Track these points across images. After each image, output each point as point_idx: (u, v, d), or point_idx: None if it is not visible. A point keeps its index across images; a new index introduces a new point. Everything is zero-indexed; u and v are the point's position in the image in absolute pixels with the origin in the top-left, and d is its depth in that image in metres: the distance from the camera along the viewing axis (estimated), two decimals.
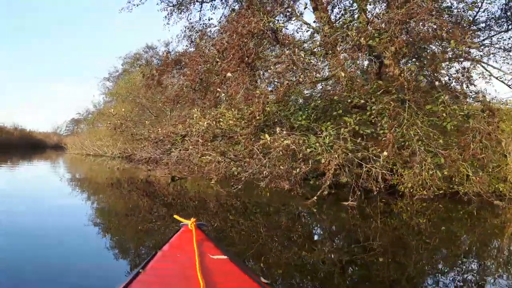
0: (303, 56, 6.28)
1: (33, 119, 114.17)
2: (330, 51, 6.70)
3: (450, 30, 6.48)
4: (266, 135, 5.76)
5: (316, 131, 6.77)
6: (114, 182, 11.97)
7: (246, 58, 6.71)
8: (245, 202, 7.30)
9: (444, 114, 6.57)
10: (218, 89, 7.17)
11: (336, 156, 5.74)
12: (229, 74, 6.70)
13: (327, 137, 6.03)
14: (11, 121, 60.96)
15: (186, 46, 11.17)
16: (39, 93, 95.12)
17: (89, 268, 3.61)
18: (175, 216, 3.34)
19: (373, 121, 7.13)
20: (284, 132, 5.86)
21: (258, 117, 6.53)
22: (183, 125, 9.33)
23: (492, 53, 10.02)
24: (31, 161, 25.73)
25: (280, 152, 5.76)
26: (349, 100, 7.34)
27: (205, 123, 7.10)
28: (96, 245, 4.47)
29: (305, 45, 7.86)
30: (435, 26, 6.29)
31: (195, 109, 7.93)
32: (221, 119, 7.09)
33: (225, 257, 2.39)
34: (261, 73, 8.07)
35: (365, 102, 7.04)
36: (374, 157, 6.26)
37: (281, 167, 5.83)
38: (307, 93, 8.80)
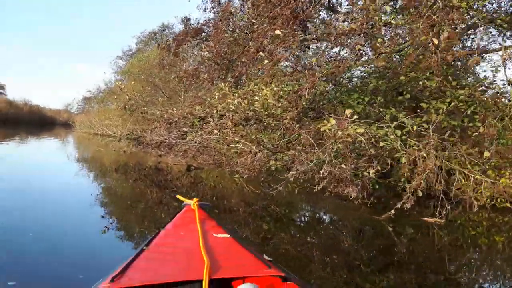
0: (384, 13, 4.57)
1: (53, 99, 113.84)
2: (413, 11, 4.91)
3: None
4: (331, 119, 4.06)
5: (375, 119, 5.10)
6: (119, 166, 10.46)
7: (301, 13, 5.00)
8: (282, 207, 5.62)
9: None
10: (260, 53, 5.41)
11: (432, 155, 4.06)
12: (278, 32, 4.96)
13: (409, 127, 4.33)
14: (21, 97, 60.03)
15: (211, 11, 9.37)
16: (63, 73, 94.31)
17: (91, 247, 3.60)
18: (178, 196, 3.42)
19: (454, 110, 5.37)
20: (354, 117, 4.14)
21: (307, 96, 4.86)
22: (202, 106, 7.76)
23: None
24: (39, 137, 24.93)
25: (346, 145, 4.10)
26: (421, 82, 5.59)
27: (235, 101, 5.42)
28: (98, 225, 4.24)
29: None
30: None
31: (222, 84, 6.24)
32: (256, 97, 5.41)
33: (228, 235, 2.39)
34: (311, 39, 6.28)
35: (445, 85, 5.30)
36: (469, 158, 4.55)
37: (343, 165, 4.16)
38: (361, 72, 7.01)
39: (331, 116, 4.55)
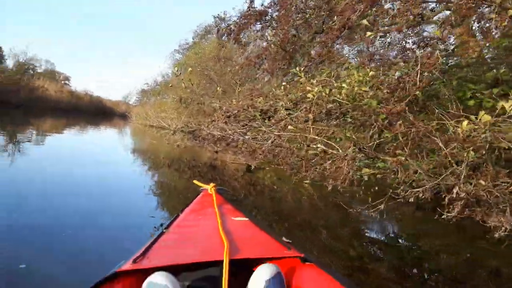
0: None
1: (106, 92, 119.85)
2: None
3: None
4: (484, 115, 2.72)
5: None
6: (173, 161, 9.71)
7: None
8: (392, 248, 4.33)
9: None
10: (365, 21, 4.17)
11: None
12: None
13: None
14: (83, 88, 62.98)
15: None
16: (115, 65, 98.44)
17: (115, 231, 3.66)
18: (195, 181, 3.52)
19: None
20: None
21: (423, 83, 3.59)
22: (264, 98, 6.72)
23: None
24: (97, 127, 25.58)
25: (486, 153, 2.79)
26: None
27: (316, 89, 4.24)
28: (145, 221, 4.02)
29: None
30: None
31: (297, 69, 5.07)
32: (344, 84, 4.19)
33: (246, 218, 2.37)
34: None
35: None
36: None
37: (481, 181, 2.85)
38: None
39: (446, 111, 3.29)
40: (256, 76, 20.76)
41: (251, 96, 7.85)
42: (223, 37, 9.10)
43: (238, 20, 8.29)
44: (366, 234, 4.31)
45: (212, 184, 3.09)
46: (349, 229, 4.41)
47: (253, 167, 6.62)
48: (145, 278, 1.42)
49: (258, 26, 8.64)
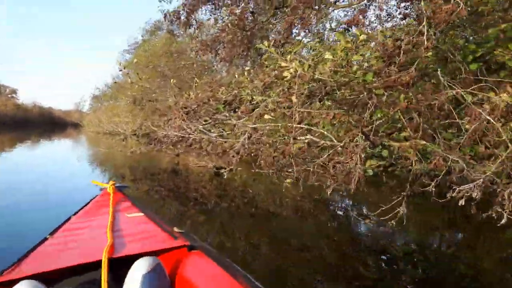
0: None
1: (58, 100, 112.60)
2: None
3: None
4: None
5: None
6: (128, 171, 8.51)
7: None
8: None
9: None
10: None
11: None
12: None
13: None
14: (30, 99, 59.05)
15: None
16: (64, 70, 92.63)
17: None
18: (93, 181, 3.42)
19: None
20: None
21: (431, 44, 2.75)
22: (226, 89, 5.80)
23: None
24: (50, 139, 24.19)
25: None
26: None
27: (292, 66, 3.29)
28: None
29: None
30: None
31: (265, 44, 4.07)
32: (327, 55, 3.27)
33: (141, 214, 2.37)
34: None
35: None
36: None
37: None
38: None
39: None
40: (213, 68, 19.61)
41: (210, 88, 6.81)
42: (172, 23, 7.95)
43: (186, 1, 7.18)
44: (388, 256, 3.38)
45: (111, 182, 3.01)
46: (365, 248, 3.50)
47: (222, 171, 5.64)
48: None
49: (209, 7, 7.59)
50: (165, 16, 7.85)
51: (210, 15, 7.49)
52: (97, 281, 1.46)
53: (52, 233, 2.05)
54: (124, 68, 32.51)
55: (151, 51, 25.33)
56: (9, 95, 56.71)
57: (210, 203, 5.09)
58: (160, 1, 7.67)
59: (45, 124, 46.98)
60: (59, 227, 2.19)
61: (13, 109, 44.01)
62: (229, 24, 6.44)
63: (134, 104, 25.97)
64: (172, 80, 10.05)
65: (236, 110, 5.51)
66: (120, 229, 2.04)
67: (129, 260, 1.59)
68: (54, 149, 17.65)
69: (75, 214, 2.50)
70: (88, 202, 2.80)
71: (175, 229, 1.99)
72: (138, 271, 1.43)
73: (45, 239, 1.95)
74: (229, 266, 1.50)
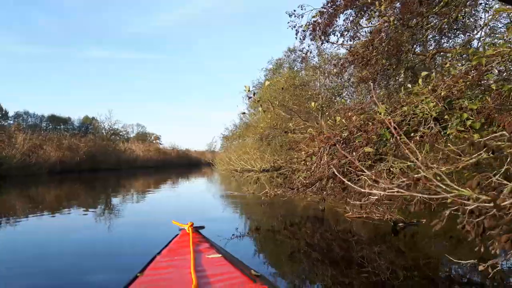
0: None
1: (190, 141, 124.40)
2: None
3: None
4: None
5: None
6: (261, 217, 7.39)
7: None
8: None
9: None
10: None
11: None
12: None
13: None
14: (169, 142, 65.82)
15: None
16: (197, 121, 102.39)
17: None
18: (173, 222, 3.73)
19: None
20: None
21: None
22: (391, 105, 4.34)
23: None
24: (188, 179, 25.65)
25: None
26: None
27: None
28: None
29: None
30: None
31: None
32: None
33: (219, 255, 2.53)
34: None
35: None
36: None
37: None
38: None
39: None
40: (343, 94, 18.01)
41: (350, 114, 5.22)
42: (306, 38, 6.75)
43: (325, 8, 5.89)
44: None
45: (189, 223, 3.22)
46: None
47: (401, 225, 3.98)
48: None
49: (352, 12, 6.16)
50: (296, 32, 6.73)
51: (353, 20, 6.08)
52: None
53: (141, 271, 2.21)
54: (251, 109, 33.20)
55: (275, 87, 25.24)
56: (154, 141, 64.17)
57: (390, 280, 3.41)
58: (291, 15, 6.60)
59: (183, 165, 51.13)
60: (147, 265, 2.34)
61: (156, 153, 49.02)
62: (388, 20, 4.87)
63: (261, 141, 25.98)
64: (313, 103, 8.73)
65: (412, 135, 3.91)
66: (203, 270, 2.15)
67: None
68: (189, 189, 18.07)
69: (159, 253, 2.67)
70: (170, 241, 2.96)
71: (253, 271, 2.09)
72: None
73: (136, 277, 2.09)
74: None
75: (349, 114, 4.79)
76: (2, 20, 66.71)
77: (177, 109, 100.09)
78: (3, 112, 59.37)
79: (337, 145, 4.47)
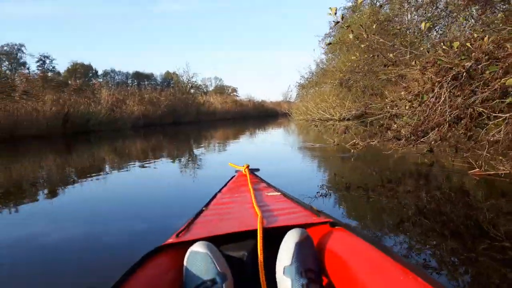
0: None
1: (266, 92, 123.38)
2: None
3: None
4: None
5: None
6: (351, 175, 6.44)
7: None
8: None
9: None
10: None
11: None
12: None
13: None
14: (245, 94, 65.98)
15: None
16: (268, 67, 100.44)
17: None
18: (230, 164, 3.63)
19: None
20: None
21: None
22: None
23: None
24: (265, 129, 25.28)
25: None
26: None
27: None
28: None
29: None
30: None
31: None
32: None
33: (278, 193, 2.53)
34: None
35: None
36: None
37: None
38: None
39: None
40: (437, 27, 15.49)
41: (475, 36, 3.87)
42: None
43: None
44: None
45: (245, 165, 3.24)
46: None
47: None
48: (188, 249, 1.52)
49: None
50: None
51: None
52: (251, 247, 1.65)
53: (206, 205, 2.28)
54: (329, 46, 31.15)
55: (356, 25, 22.95)
56: (231, 93, 64.86)
57: None
58: None
59: (260, 116, 51.11)
60: (210, 201, 2.40)
61: (233, 105, 49.37)
62: None
63: (341, 87, 24.26)
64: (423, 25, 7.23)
65: None
66: (264, 205, 2.16)
67: (277, 232, 1.70)
68: (265, 140, 17.55)
69: (219, 191, 2.70)
70: (227, 182, 3.00)
71: (314, 207, 2.04)
72: (291, 240, 1.51)
73: (202, 210, 2.16)
74: (377, 243, 1.44)
75: (474, 36, 3.51)
76: None
77: (252, 59, 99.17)
78: (94, 71, 64.40)
79: (460, 78, 3.32)
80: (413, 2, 20.01)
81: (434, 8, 13.84)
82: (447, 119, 3.01)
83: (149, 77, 61.61)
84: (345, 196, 4.79)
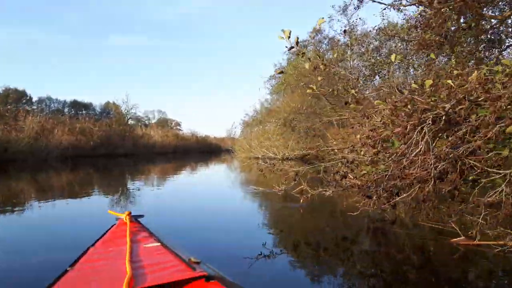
0: None
1: (210, 128, 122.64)
2: None
3: None
4: None
5: None
6: (301, 236, 5.61)
7: None
8: None
9: None
10: None
11: None
12: None
13: None
14: (188, 128, 64.82)
15: None
16: (213, 103, 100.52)
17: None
18: (110, 211, 3.61)
19: None
20: None
21: None
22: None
23: None
24: (207, 165, 23.95)
25: None
26: None
27: None
28: None
29: None
30: None
31: None
32: None
33: (158, 244, 2.42)
34: None
35: None
36: None
37: None
38: None
39: None
40: (384, 72, 15.80)
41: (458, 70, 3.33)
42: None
43: None
44: None
45: (127, 212, 3.00)
46: None
47: None
48: None
49: None
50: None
51: None
52: None
53: (72, 265, 2.05)
54: (273, 95, 31.21)
55: (301, 69, 23.30)
56: (175, 127, 63.16)
57: None
58: None
59: (202, 151, 49.84)
60: (79, 258, 2.19)
61: (174, 139, 47.80)
62: None
63: (284, 126, 24.10)
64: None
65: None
66: (138, 260, 2.04)
67: None
68: (207, 178, 16.43)
69: (93, 245, 2.48)
70: (105, 232, 2.78)
71: (192, 259, 1.98)
72: None
73: (66, 271, 1.95)
74: None
75: (457, 70, 2.93)
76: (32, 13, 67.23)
77: (197, 95, 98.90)
78: (28, 98, 59.53)
79: (439, 122, 2.68)
80: (356, 49, 20.71)
81: (377, 54, 14.18)
82: (432, 174, 2.30)
83: (87, 106, 58.25)
84: (292, 256, 3.90)
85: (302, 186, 5.10)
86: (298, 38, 3.30)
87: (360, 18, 17.14)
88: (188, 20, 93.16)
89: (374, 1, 7.58)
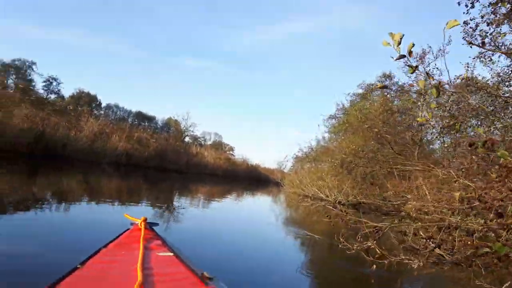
0: None
1: (260, 154, 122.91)
2: None
3: None
4: None
5: None
6: None
7: None
8: None
9: None
10: None
11: None
12: None
13: None
14: (240, 154, 65.39)
15: None
16: (270, 134, 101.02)
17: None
18: (126, 215, 3.37)
19: None
20: None
21: None
22: None
23: None
24: (253, 194, 23.76)
25: None
26: None
27: None
28: None
29: None
30: None
31: None
32: None
33: (171, 254, 2.38)
34: None
35: None
36: None
37: None
38: None
39: None
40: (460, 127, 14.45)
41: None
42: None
43: None
44: None
45: (142, 218, 2.96)
46: None
47: None
48: None
49: None
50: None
51: None
52: None
53: (82, 263, 2.01)
54: (333, 127, 30.33)
55: (367, 110, 22.32)
56: (228, 151, 63.86)
57: None
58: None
59: (251, 179, 49.51)
60: (89, 257, 2.15)
61: (225, 162, 48.03)
62: None
63: (341, 168, 22.85)
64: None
65: None
66: (150, 267, 2.00)
67: None
68: (251, 205, 15.79)
69: (105, 246, 2.46)
70: (119, 235, 2.75)
71: (205, 274, 1.94)
72: None
73: (76, 268, 1.93)
74: None
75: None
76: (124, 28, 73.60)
77: (254, 124, 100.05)
78: (98, 103, 63.61)
79: None
80: (428, 98, 19.43)
81: (457, 107, 13.00)
82: None
83: (151, 119, 60.94)
84: None
85: (369, 244, 4.24)
86: (413, 44, 2.52)
87: (437, 68, 15.96)
88: (254, 52, 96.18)
89: (472, 45, 6.73)
